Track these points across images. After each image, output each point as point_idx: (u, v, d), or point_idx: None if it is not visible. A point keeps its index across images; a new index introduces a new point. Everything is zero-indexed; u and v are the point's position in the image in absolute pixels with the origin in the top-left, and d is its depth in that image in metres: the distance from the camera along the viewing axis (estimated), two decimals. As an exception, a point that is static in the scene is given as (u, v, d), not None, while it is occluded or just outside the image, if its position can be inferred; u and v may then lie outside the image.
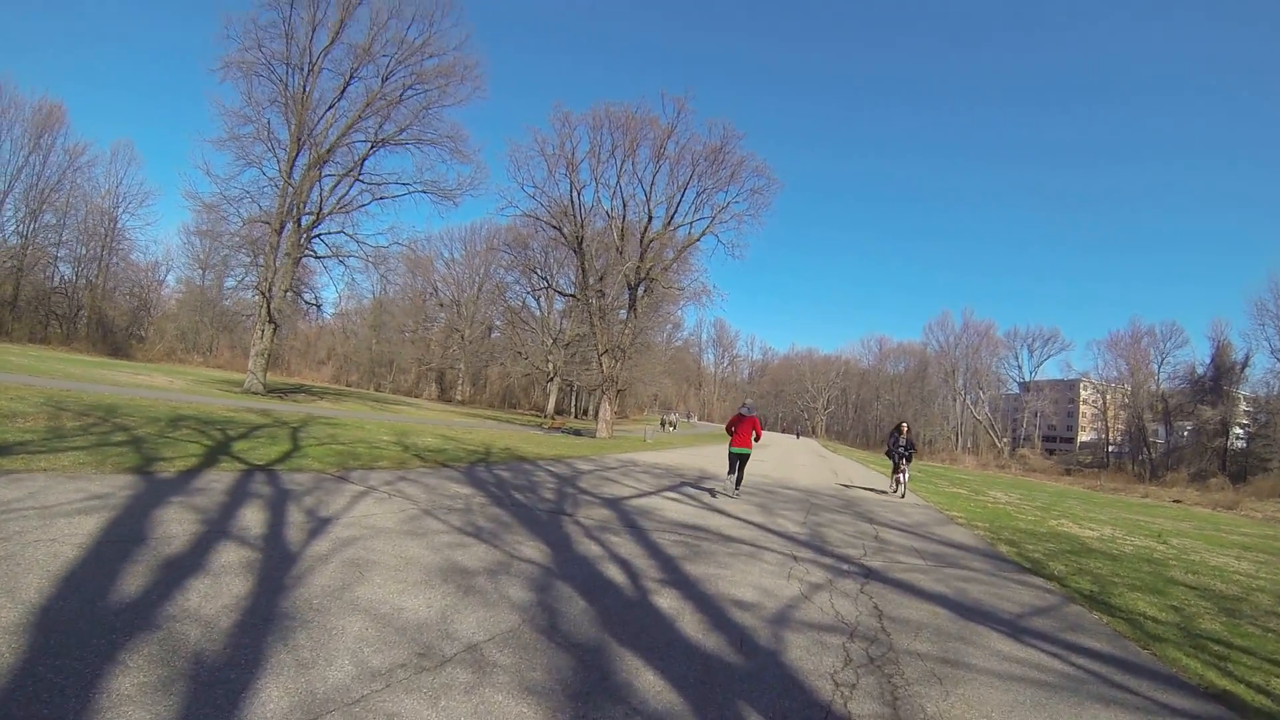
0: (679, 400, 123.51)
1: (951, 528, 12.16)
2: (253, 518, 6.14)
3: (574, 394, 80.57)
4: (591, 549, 6.93)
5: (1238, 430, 68.10)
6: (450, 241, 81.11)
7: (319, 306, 44.81)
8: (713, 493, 13.34)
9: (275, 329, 34.46)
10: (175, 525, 5.51)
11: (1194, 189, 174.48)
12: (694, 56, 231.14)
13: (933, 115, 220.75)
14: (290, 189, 32.70)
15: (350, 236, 35.93)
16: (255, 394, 30.49)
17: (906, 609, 5.86)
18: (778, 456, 31.67)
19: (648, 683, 3.60)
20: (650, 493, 12.39)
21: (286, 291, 33.92)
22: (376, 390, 74.68)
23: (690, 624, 4.72)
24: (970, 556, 9.14)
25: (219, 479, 7.74)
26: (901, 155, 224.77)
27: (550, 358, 64.65)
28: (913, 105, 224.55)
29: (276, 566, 4.80)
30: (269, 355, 34.71)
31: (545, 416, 57.83)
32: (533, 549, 6.58)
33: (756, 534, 8.99)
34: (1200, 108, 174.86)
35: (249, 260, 38.08)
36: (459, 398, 77.74)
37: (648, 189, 36.73)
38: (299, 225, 33.78)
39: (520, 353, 67.09)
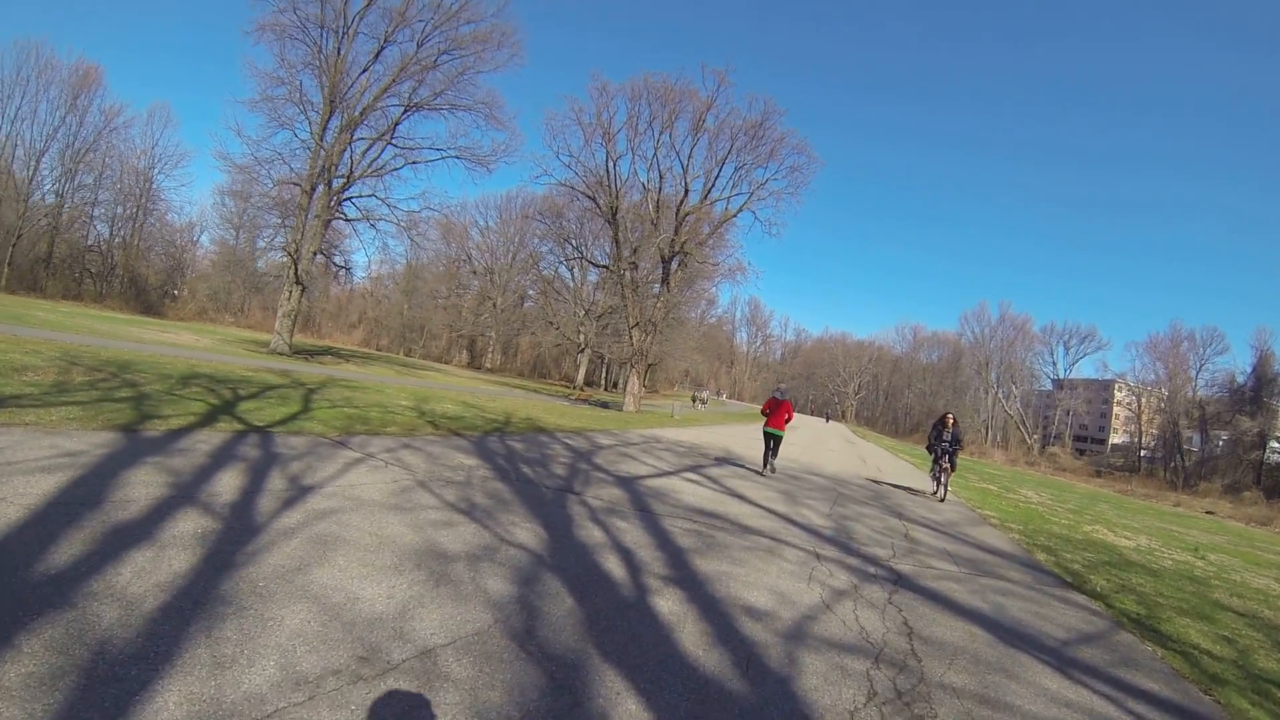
0: (710, 377, 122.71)
1: (985, 529, 11.46)
2: (227, 483, 5.66)
3: (604, 366, 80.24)
4: (593, 535, 6.38)
5: (1275, 444, 65.88)
6: (485, 209, 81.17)
7: (348, 270, 44.43)
8: (754, 468, 12.62)
9: (303, 291, 34.04)
10: (139, 489, 5.04)
11: (1241, 203, 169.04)
12: (735, 37, 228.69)
13: (982, 112, 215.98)
14: (322, 151, 32.42)
15: (382, 200, 35.52)
16: (281, 354, 30.36)
17: (939, 627, 5.24)
18: (806, 440, 30.89)
19: (626, 715, 3.02)
20: (669, 472, 11.81)
21: (315, 253, 33.75)
22: (407, 355, 75.08)
23: (691, 636, 4.13)
24: (1007, 564, 8.46)
25: (207, 440, 7.28)
26: (947, 149, 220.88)
27: (582, 329, 64.26)
28: (963, 100, 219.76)
29: (233, 540, 4.29)
30: (296, 317, 34.19)
31: (574, 388, 57.51)
32: (527, 532, 6.04)
33: (778, 525, 8.39)
34: (1255, 126, 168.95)
35: (279, 221, 37.75)
36: (489, 365, 78.03)
37: (685, 162, 35.75)
38: (330, 188, 33.43)
39: (552, 322, 66.75)
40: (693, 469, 12.89)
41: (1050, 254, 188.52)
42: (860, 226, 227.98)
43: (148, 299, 56.47)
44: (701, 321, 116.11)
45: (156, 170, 60.46)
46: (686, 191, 36.01)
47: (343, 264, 42.93)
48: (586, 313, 64.73)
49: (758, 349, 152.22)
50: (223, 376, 13.72)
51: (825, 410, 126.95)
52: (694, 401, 63.13)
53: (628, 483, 9.82)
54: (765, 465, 14.15)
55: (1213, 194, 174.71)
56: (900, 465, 25.01)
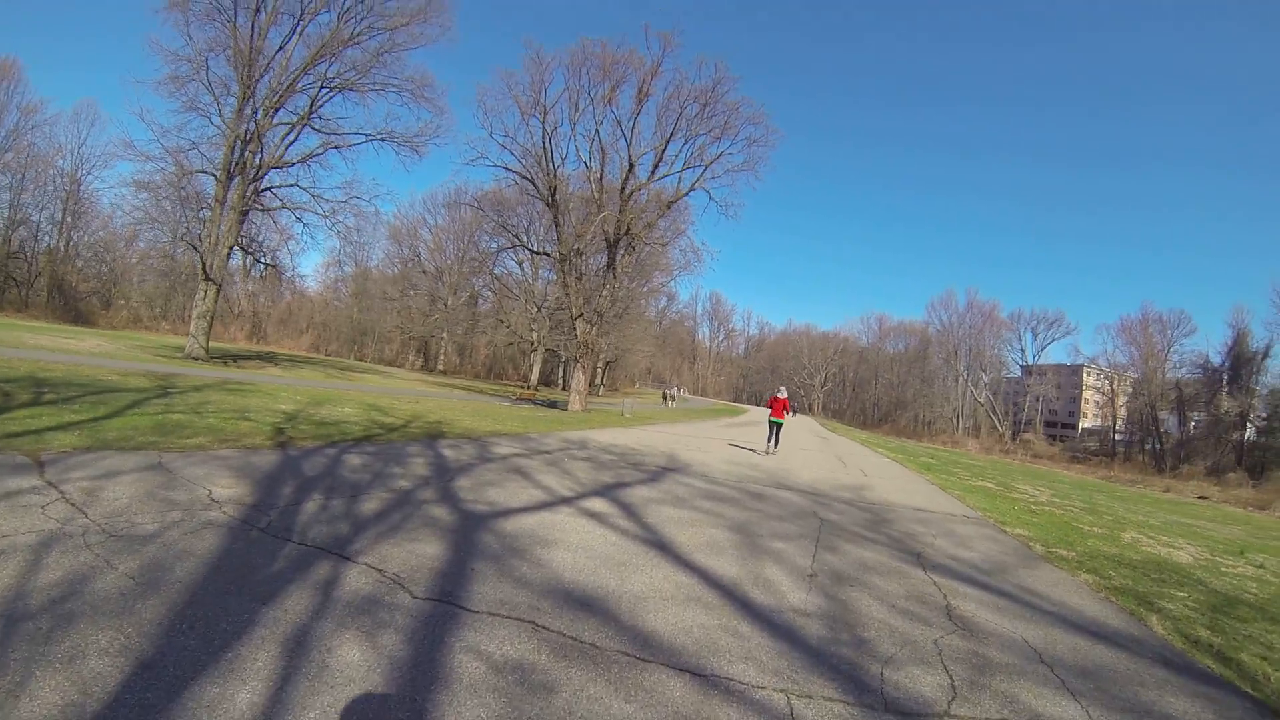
0: (673, 374, 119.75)
1: (1043, 570, 7.53)
2: None
3: (562, 365, 76.65)
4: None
5: (1251, 423, 64.01)
6: (434, 207, 77.75)
7: (273, 266, 40.57)
8: (702, 481, 8.61)
9: (218, 289, 31.10)
10: None
11: (1209, 191, 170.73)
12: (686, 8, 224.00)
13: (945, 105, 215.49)
14: (239, 137, 29.70)
15: (305, 190, 32.78)
16: (195, 360, 27.83)
17: None
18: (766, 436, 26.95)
19: None
20: (564, 499, 7.88)
21: (231, 248, 31.02)
22: (358, 360, 72.09)
23: None
24: (1132, 662, 4.61)
25: None
26: (910, 143, 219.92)
27: (534, 326, 60.92)
28: (926, 97, 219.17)
29: None
30: (212, 318, 31.20)
31: (527, 387, 54.15)
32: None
33: (715, 619, 4.38)
34: (1218, 114, 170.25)
35: (193, 215, 33.73)
36: (441, 368, 74.84)
37: (629, 135, 31.86)
38: (247, 177, 30.47)
39: (502, 321, 63.30)
40: (607, 491, 8.87)
41: (1017, 242, 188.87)
42: (821, 219, 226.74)
43: (78, 308, 52.79)
44: (662, 317, 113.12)
45: (84, 172, 56.57)
46: (631, 167, 32.17)
47: (269, 261, 39.18)
48: (539, 310, 61.20)
49: (721, 344, 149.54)
50: (65, 381, 12.38)
51: (792, 404, 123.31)
52: (664, 399, 62.15)
53: (475, 525, 6.11)
54: (768, 444, 18.88)
55: (1179, 181, 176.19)
56: (887, 465, 21.11)
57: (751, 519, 8.16)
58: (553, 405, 33.56)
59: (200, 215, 32.16)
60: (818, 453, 22.21)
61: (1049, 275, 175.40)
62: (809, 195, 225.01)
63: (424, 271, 79.58)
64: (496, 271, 64.22)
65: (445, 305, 74.38)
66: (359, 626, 3.53)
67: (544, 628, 3.86)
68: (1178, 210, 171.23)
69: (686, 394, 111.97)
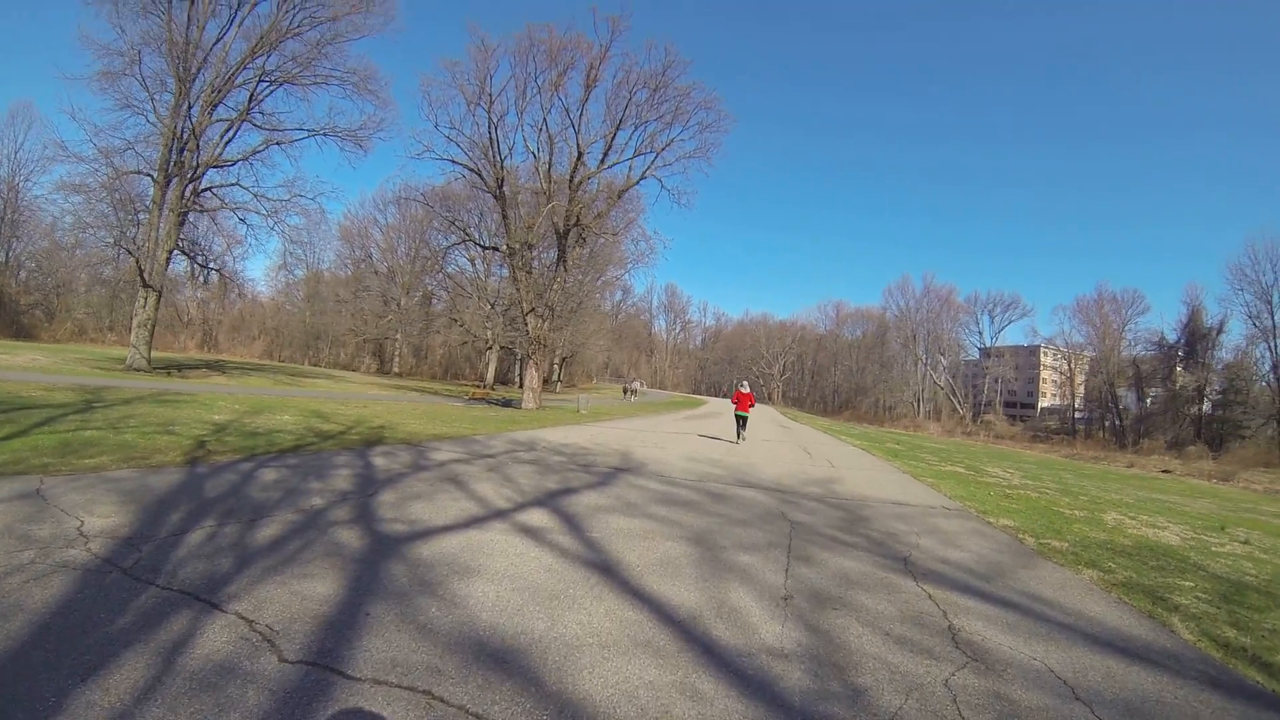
0: (630, 367, 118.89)
1: (1043, 568, 6.67)
2: None
3: (518, 363, 75.36)
4: None
5: (1208, 397, 65.23)
6: (384, 205, 75.57)
7: (219, 272, 38.76)
8: (659, 481, 7.66)
9: (159, 296, 29.74)
10: None
11: (1160, 164, 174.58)
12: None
13: (899, 91, 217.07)
14: (176, 135, 28.54)
15: (247, 189, 31.59)
16: (138, 370, 26.79)
17: None
18: (727, 427, 25.96)
19: None
20: (499, 513, 6.91)
21: (171, 252, 29.56)
22: (312, 365, 70.00)
23: None
24: (1179, 689, 3.77)
25: None
26: (863, 128, 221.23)
27: (489, 324, 59.59)
28: (878, 81, 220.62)
29: None
30: (153, 326, 29.92)
31: (481, 386, 52.91)
32: None
33: (666, 678, 3.37)
34: (1167, 82, 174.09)
35: (129, 218, 32.13)
36: (396, 370, 73.22)
37: (577, 123, 30.83)
38: (185, 177, 29.16)
39: (455, 319, 61.83)
40: (550, 500, 7.90)
41: (973, 226, 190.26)
42: (776, 207, 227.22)
43: (20, 322, 49.98)
44: (618, 310, 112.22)
45: (22, 178, 53.71)
46: (580, 155, 31.18)
47: (215, 266, 37.45)
48: (493, 307, 59.84)
49: (678, 335, 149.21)
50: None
51: (752, 394, 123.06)
52: (625, 393, 61.59)
53: (386, 551, 5.19)
54: (738, 438, 19.47)
55: (1129, 158, 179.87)
56: (854, 454, 20.33)
57: (713, 526, 7.21)
58: (508, 404, 32.60)
59: (138, 219, 30.86)
60: (781, 444, 21.40)
61: (1005, 258, 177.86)
62: (763, 184, 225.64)
63: (376, 272, 77.51)
64: (449, 270, 62.85)
65: (398, 306, 72.49)
66: (195, 712, 2.55)
67: (441, 699, 2.87)
68: (1128, 188, 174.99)
69: (645, 387, 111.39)
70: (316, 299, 78.01)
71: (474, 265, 63.47)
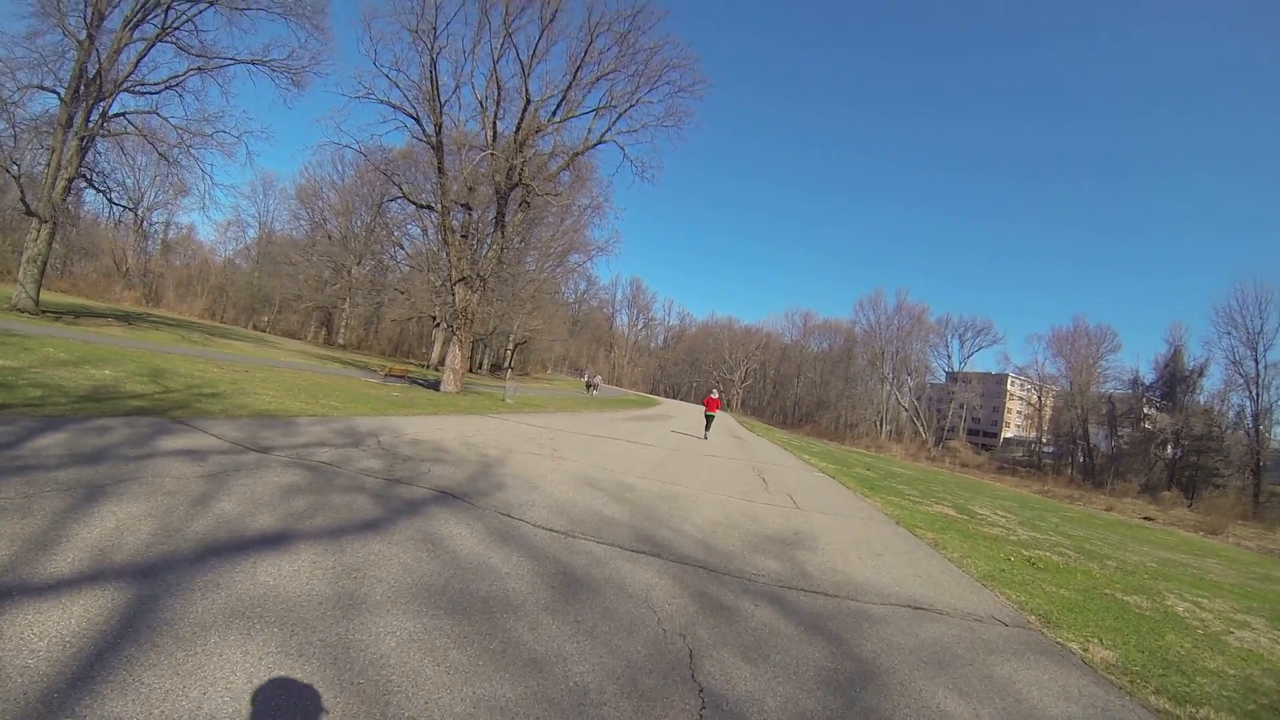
0: (588, 361, 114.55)
1: None
2: None
3: (475, 347, 70.45)
4: None
5: (1183, 441, 62.83)
6: (342, 165, 69.91)
7: (127, 209, 34.85)
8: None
9: (52, 229, 26.28)
10: None
11: (1141, 204, 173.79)
12: None
13: (886, 111, 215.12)
14: (93, 53, 25.51)
15: (166, 119, 28.76)
16: (21, 312, 24.09)
17: None
18: (672, 439, 21.51)
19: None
20: None
21: (71, 180, 26.26)
22: (255, 330, 66.02)
23: None
24: None
25: None
26: (848, 141, 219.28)
27: (436, 300, 54.74)
28: (866, 99, 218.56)
29: None
30: (44, 263, 26.86)
31: (428, 367, 48.89)
32: None
33: None
34: (1157, 120, 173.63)
35: (27, 139, 27.54)
36: (341, 342, 68.91)
37: (528, 65, 26.29)
38: (91, 97, 25.90)
39: (401, 292, 56.70)
40: (208, 562, 3.39)
41: (950, 250, 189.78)
42: (750, 214, 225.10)
43: None
44: (581, 301, 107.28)
45: None
46: (528, 103, 26.59)
47: (124, 202, 34.13)
48: (444, 283, 54.96)
49: (639, 332, 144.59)
50: None
51: (706, 396, 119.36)
52: (588, 388, 59.84)
53: None
54: (705, 432, 24.25)
55: (1114, 194, 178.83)
56: (821, 483, 15.89)
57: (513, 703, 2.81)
58: (433, 385, 28.11)
59: (42, 143, 26.88)
60: (730, 460, 16.98)
61: (980, 284, 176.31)
62: (737, 187, 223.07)
63: (329, 237, 72.19)
64: (398, 237, 58.08)
65: (348, 274, 67.35)
66: None
67: None
68: (1108, 225, 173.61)
69: (601, 382, 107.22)
70: (266, 260, 74.58)
71: (426, 235, 58.52)
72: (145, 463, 5.70)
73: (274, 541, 4.34)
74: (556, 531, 5.89)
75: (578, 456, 11.60)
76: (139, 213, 63.33)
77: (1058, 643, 5.23)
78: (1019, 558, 9.43)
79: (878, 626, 4.79)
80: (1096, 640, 5.49)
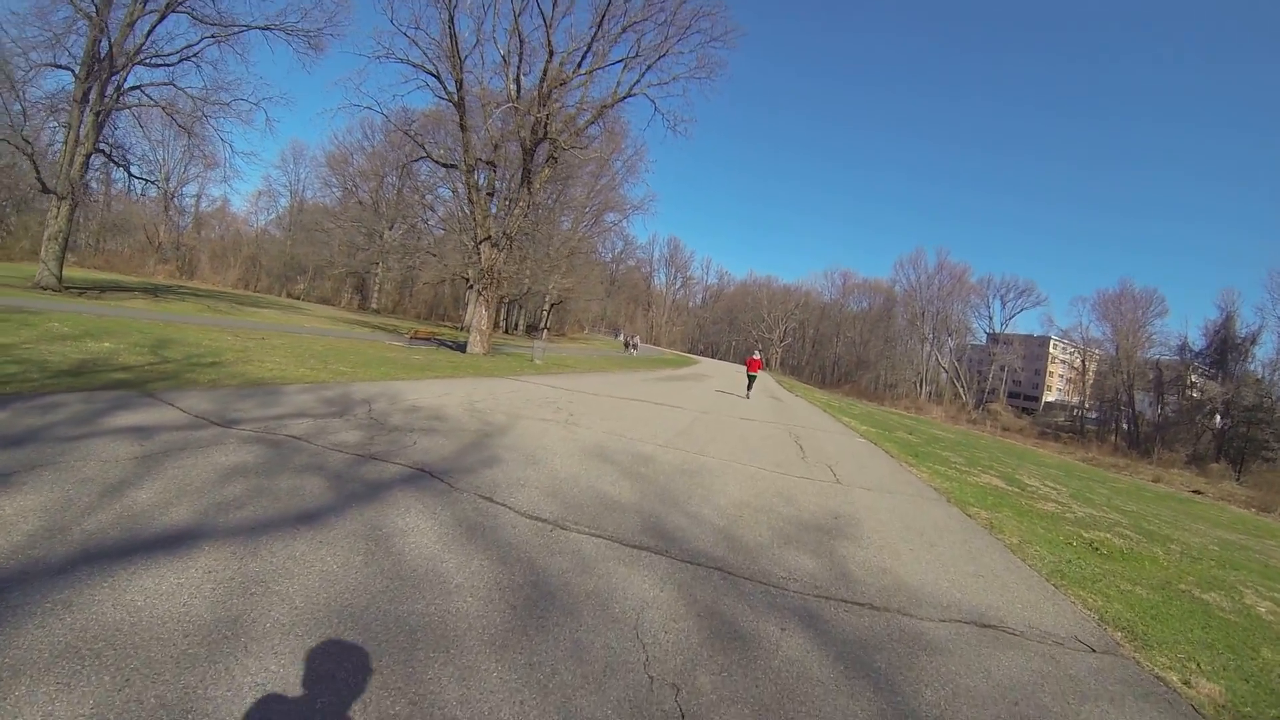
0: (626, 320, 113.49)
1: None
2: None
3: (509, 308, 69.98)
4: None
5: (1232, 412, 60.15)
6: (372, 130, 69.44)
7: (148, 181, 35.73)
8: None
9: (72, 206, 25.91)
10: None
11: (1197, 158, 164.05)
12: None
13: (925, 47, 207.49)
14: (105, 27, 24.88)
15: (183, 90, 28.28)
16: (45, 289, 23.77)
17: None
18: (708, 397, 20.63)
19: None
20: None
21: (90, 156, 25.97)
22: (290, 297, 65.58)
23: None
24: None
25: None
26: (889, 87, 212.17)
27: (470, 262, 54.09)
28: (903, 33, 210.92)
29: None
30: (66, 239, 26.16)
31: (461, 329, 48.50)
32: None
33: None
34: (1221, 69, 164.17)
35: (44, 116, 27.46)
36: (375, 306, 68.54)
37: (549, 18, 24.94)
38: (106, 71, 25.40)
39: (433, 254, 56.06)
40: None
41: (994, 203, 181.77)
42: (790, 160, 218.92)
43: None
44: (618, 261, 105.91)
45: None
46: (551, 54, 25.34)
47: (146, 175, 34.76)
48: (478, 244, 54.24)
49: (677, 291, 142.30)
50: None
51: (748, 357, 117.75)
52: (626, 347, 60.17)
53: None
54: (747, 391, 25.68)
55: (1165, 142, 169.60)
56: (863, 450, 14.67)
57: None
58: (460, 347, 27.46)
59: (58, 120, 26.68)
60: (765, 425, 15.88)
61: (1023, 242, 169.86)
62: (778, 137, 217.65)
63: (359, 202, 71.81)
64: (431, 201, 57.48)
65: (381, 239, 67.14)
66: None
67: None
68: (1161, 181, 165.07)
69: (639, 341, 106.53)
70: (299, 228, 74.27)
71: (457, 195, 57.93)
72: (77, 444, 4.92)
73: (173, 543, 3.46)
74: (543, 520, 4.93)
75: (594, 422, 10.65)
76: (169, 187, 63.99)
77: (1156, 675, 4.16)
78: (1080, 541, 8.35)
79: (939, 659, 3.74)
80: (1194, 665, 4.45)
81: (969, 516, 8.50)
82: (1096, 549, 8.06)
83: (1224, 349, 61.21)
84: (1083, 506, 12.70)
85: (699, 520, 5.76)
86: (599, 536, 4.77)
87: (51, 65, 24.77)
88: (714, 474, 8.10)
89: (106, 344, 10.92)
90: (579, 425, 10.02)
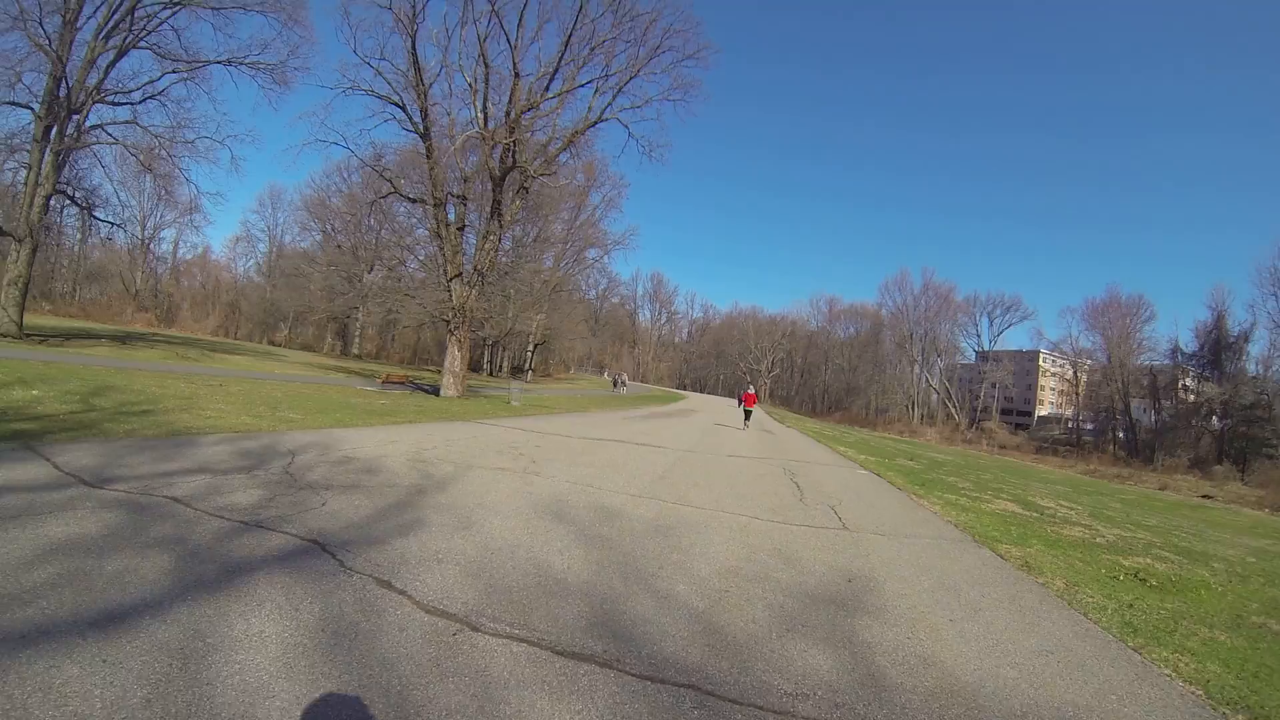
0: (612, 359, 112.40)
1: None
2: None
3: (492, 350, 68.59)
4: None
5: (1231, 412, 59.31)
6: (349, 171, 68.87)
7: (115, 224, 34.48)
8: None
9: (33, 250, 24.96)
10: None
11: (1174, 164, 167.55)
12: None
13: (902, 77, 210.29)
14: (61, 63, 24.22)
15: (146, 129, 27.47)
16: (5, 336, 22.79)
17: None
18: (691, 436, 19.50)
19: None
20: None
21: (49, 198, 25.40)
22: (270, 344, 66.07)
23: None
24: None
25: None
26: (863, 113, 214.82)
27: (443, 301, 52.83)
28: (882, 64, 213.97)
29: None
30: (26, 285, 25.21)
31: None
32: None
33: None
34: (1190, 77, 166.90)
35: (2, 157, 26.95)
36: (356, 352, 68.08)
37: (514, 37, 24.20)
38: (65, 110, 24.76)
39: (410, 295, 54.86)
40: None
41: (975, 223, 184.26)
42: (769, 196, 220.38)
43: None
44: (602, 299, 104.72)
45: None
46: (517, 77, 24.50)
47: (107, 217, 33.05)
48: (449, 280, 53.18)
49: (663, 327, 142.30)
50: None
51: (737, 390, 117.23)
52: (615, 385, 60.31)
53: None
54: (745, 424, 27.07)
55: (1143, 151, 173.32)
56: (866, 485, 13.27)
57: None
58: (436, 391, 26.54)
59: (16, 160, 26.33)
60: (757, 461, 14.56)
61: (1007, 258, 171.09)
62: (755, 170, 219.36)
63: (338, 246, 70.72)
64: (411, 243, 56.74)
65: (360, 282, 66.19)
66: None
67: None
68: (1141, 188, 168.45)
69: (627, 379, 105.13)
70: (277, 273, 73.79)
71: (429, 230, 57.26)
72: None
73: None
74: (449, 616, 3.52)
75: (558, 470, 9.28)
76: (144, 234, 63.19)
77: None
78: (1125, 573, 7.17)
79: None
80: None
81: (1002, 558, 7.17)
82: (1144, 580, 6.97)
83: (1217, 349, 60.69)
84: (1107, 527, 11.62)
85: (670, 602, 4.32)
86: (523, 641, 3.33)
87: (9, 104, 24.21)
88: (695, 530, 6.71)
89: (35, 391, 10.32)
90: (539, 474, 8.66)
